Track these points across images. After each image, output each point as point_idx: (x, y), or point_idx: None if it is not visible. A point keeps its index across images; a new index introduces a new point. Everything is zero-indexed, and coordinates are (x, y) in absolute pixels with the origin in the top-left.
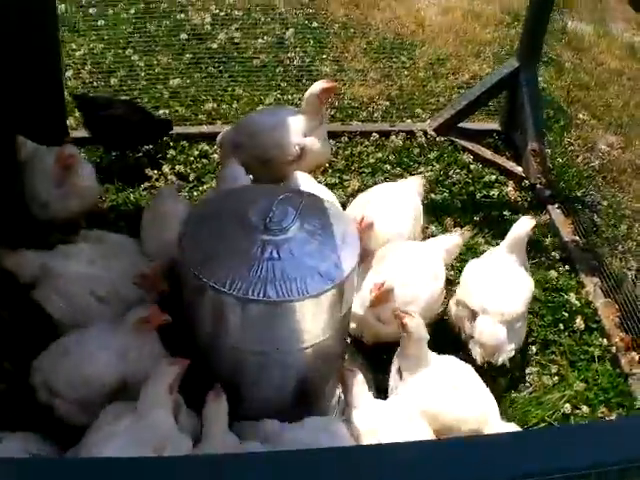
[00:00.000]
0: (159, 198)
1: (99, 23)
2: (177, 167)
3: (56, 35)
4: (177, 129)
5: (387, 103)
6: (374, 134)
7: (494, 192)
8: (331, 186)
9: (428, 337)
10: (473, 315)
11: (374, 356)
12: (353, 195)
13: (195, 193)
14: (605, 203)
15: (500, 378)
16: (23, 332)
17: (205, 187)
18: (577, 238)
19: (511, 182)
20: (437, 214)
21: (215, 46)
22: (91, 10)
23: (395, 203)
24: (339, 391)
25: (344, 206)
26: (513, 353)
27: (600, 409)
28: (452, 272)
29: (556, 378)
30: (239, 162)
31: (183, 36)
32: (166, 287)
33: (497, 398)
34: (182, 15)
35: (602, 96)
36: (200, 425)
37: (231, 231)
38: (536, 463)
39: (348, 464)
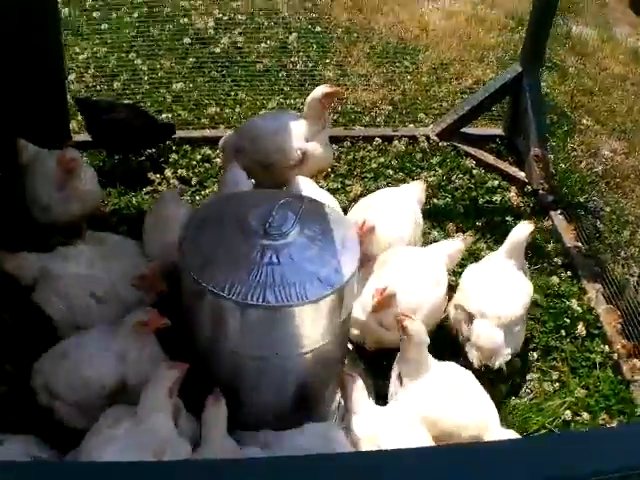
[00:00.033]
0: (161, 202)
1: (102, 27)
2: (179, 171)
3: (58, 38)
4: (180, 133)
5: (390, 108)
6: (377, 139)
7: (496, 197)
8: (333, 191)
9: (428, 341)
10: (470, 318)
11: (374, 362)
12: (355, 200)
13: (197, 197)
14: (608, 209)
15: (501, 384)
16: (24, 335)
17: (207, 191)
18: (579, 244)
19: (514, 188)
20: (439, 219)
21: (218, 50)
22: (95, 14)
23: (396, 208)
24: (339, 396)
25: (346, 211)
26: (510, 357)
27: (601, 416)
28: (453, 277)
29: (557, 385)
30: (241, 166)
31: (186, 40)
32: (165, 287)
33: (497, 404)
34: (185, 19)
35: (606, 101)
36: (199, 429)
37: (231, 235)
38: (535, 471)
39: (348, 470)
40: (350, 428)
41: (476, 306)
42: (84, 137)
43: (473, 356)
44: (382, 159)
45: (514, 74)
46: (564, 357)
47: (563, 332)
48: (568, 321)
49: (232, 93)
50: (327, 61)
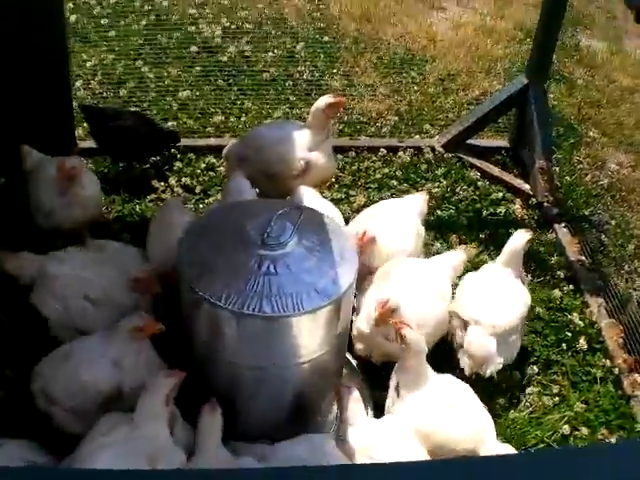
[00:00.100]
0: (166, 209)
1: (110, 34)
2: (183, 179)
3: (64, 44)
4: (185, 141)
5: (396, 118)
6: (382, 149)
7: (501, 210)
8: (337, 201)
9: (427, 350)
10: (465, 326)
11: (373, 373)
12: (358, 210)
13: (201, 205)
14: (613, 222)
15: (499, 397)
16: (24, 339)
17: (211, 200)
18: (583, 257)
19: (518, 200)
20: (442, 231)
21: (225, 59)
22: (103, 21)
23: (398, 219)
24: (336, 407)
25: (348, 222)
26: (501, 366)
27: (600, 431)
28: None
29: (557, 399)
30: (245, 175)
31: (193, 48)
32: (160, 290)
33: (496, 417)
34: (193, 28)
35: (614, 114)
36: (194, 439)
37: (229, 245)
38: None
39: None
40: (345, 439)
41: (470, 314)
42: (89, 144)
43: (465, 363)
44: (387, 170)
45: (520, 86)
46: (565, 371)
47: (564, 346)
48: (569, 335)
49: (238, 102)
50: (334, 71)
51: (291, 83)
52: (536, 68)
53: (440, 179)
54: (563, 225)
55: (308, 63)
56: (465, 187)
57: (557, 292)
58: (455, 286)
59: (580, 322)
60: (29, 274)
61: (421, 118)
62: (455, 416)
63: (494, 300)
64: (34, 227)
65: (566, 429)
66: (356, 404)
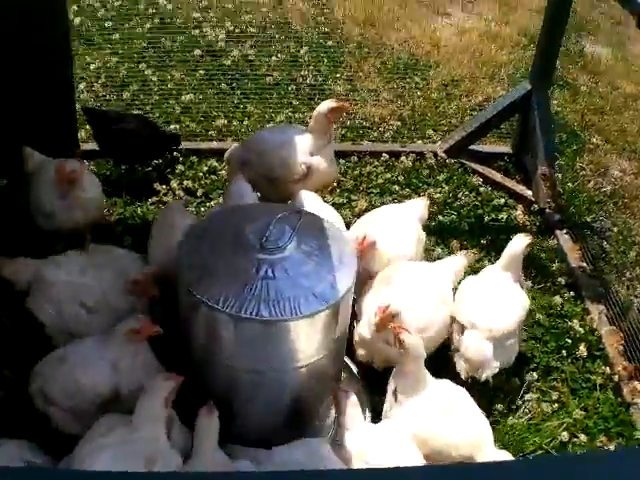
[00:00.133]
0: (167, 211)
1: (114, 37)
2: (185, 182)
3: (67, 47)
4: (187, 145)
5: (399, 123)
6: (384, 154)
7: (502, 215)
8: (339, 206)
9: (425, 355)
10: (462, 329)
11: (373, 378)
12: (360, 215)
13: (202, 209)
14: (615, 229)
15: (498, 403)
16: (24, 340)
17: (212, 203)
18: (584, 264)
19: (520, 206)
20: (444, 236)
21: (228, 63)
22: (107, 24)
23: (398, 224)
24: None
25: (350, 226)
26: (497, 370)
27: (599, 438)
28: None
29: (556, 405)
30: (246, 179)
31: (197, 52)
32: (157, 293)
33: (494, 423)
34: (197, 31)
35: (617, 121)
36: (191, 442)
37: (228, 249)
38: None
39: None
40: (342, 444)
41: (467, 317)
42: (92, 146)
43: (461, 367)
44: (389, 175)
45: (523, 92)
46: (564, 378)
47: (564, 352)
48: (570, 342)
49: (241, 106)
50: (337, 75)
51: (294, 87)
52: (539, 74)
53: (442, 184)
54: (565, 231)
55: (311, 67)
56: (467, 193)
57: (558, 299)
58: (455, 290)
59: (580, 329)
60: (25, 279)
61: (424, 123)
62: (452, 422)
63: (491, 304)
64: (36, 228)
65: (565, 436)
66: (353, 409)
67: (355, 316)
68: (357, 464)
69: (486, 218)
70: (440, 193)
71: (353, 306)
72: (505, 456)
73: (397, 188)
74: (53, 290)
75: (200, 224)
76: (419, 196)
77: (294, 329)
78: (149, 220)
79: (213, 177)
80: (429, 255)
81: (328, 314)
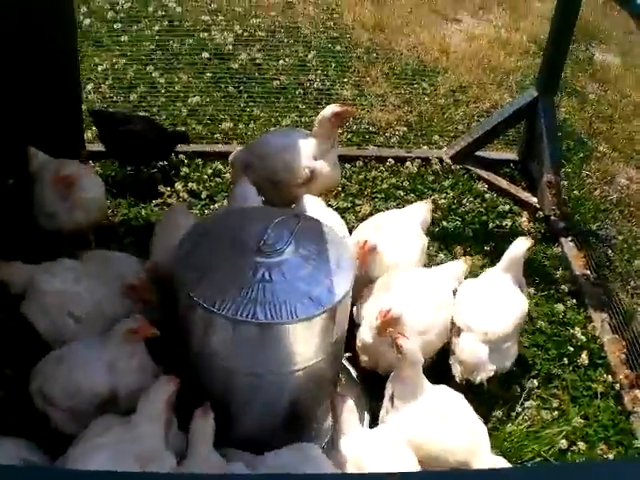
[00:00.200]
0: (171, 213)
1: (122, 39)
2: (190, 185)
3: (75, 48)
4: (193, 147)
5: (405, 129)
6: (389, 160)
7: (507, 222)
8: (343, 210)
9: (423, 360)
10: (459, 332)
11: (372, 383)
12: (363, 220)
13: (206, 211)
14: (621, 237)
15: (498, 410)
16: (25, 339)
17: (217, 205)
18: (588, 272)
19: (525, 213)
20: (448, 242)
21: (236, 66)
22: (116, 25)
23: (400, 229)
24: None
25: (353, 231)
26: (492, 373)
27: (599, 446)
28: None
29: (556, 413)
30: (251, 182)
31: (205, 55)
32: (153, 298)
33: (493, 430)
34: (205, 34)
35: (625, 129)
36: (186, 443)
37: (226, 251)
38: None
39: None
40: (337, 449)
41: (464, 320)
42: (98, 147)
43: (456, 370)
44: (394, 180)
45: (529, 99)
46: (565, 385)
47: (566, 360)
48: (571, 349)
49: (247, 109)
50: (345, 80)
51: (301, 91)
52: (546, 81)
53: (447, 190)
54: (569, 239)
55: (319, 72)
56: (472, 199)
57: (560, 306)
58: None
59: (582, 337)
60: (20, 284)
61: (430, 129)
62: (449, 427)
63: (488, 307)
64: (39, 229)
65: (564, 444)
66: (350, 413)
67: (355, 322)
68: (351, 469)
69: (490, 225)
70: (445, 199)
71: (352, 311)
72: (501, 463)
73: (402, 193)
74: (44, 298)
75: (199, 226)
76: None
77: (290, 332)
78: (152, 222)
79: (218, 180)
80: (432, 261)
81: (325, 318)
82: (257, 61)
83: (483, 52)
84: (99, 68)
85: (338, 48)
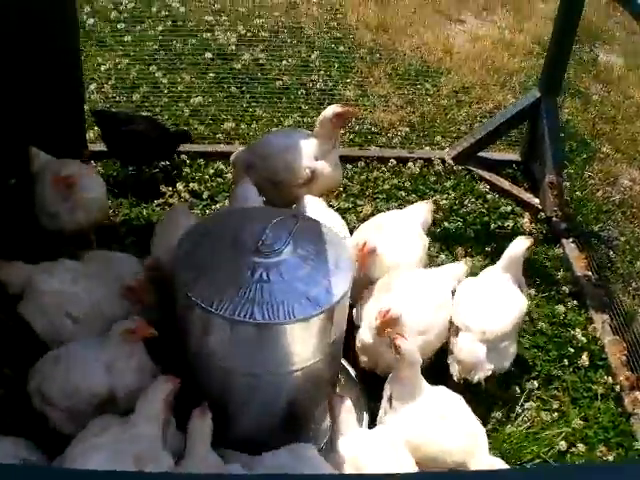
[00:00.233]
0: (172, 212)
1: (126, 39)
2: (191, 185)
3: (77, 48)
4: (194, 147)
5: (407, 129)
6: (391, 160)
7: (509, 223)
8: (344, 210)
9: (421, 361)
10: (457, 331)
11: (372, 384)
12: (365, 220)
13: (208, 211)
14: (623, 239)
15: (497, 411)
16: (25, 338)
17: (218, 206)
18: (589, 273)
19: (527, 214)
20: (449, 243)
21: (239, 66)
22: (119, 25)
23: (401, 230)
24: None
25: (354, 232)
26: (490, 372)
27: (599, 448)
28: None
29: (556, 414)
30: (252, 182)
31: (208, 55)
32: (152, 298)
33: (492, 431)
34: (208, 34)
35: (628, 130)
36: (184, 443)
37: (224, 251)
38: None
39: None
40: (335, 449)
41: (462, 319)
42: (100, 147)
43: (454, 369)
44: (395, 180)
45: (532, 100)
46: (565, 387)
47: (566, 362)
48: (572, 351)
49: (250, 109)
50: (348, 81)
51: (304, 92)
52: (549, 82)
53: (449, 191)
54: (571, 240)
55: (322, 72)
56: (473, 200)
57: (561, 307)
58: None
59: (583, 338)
60: (18, 284)
61: (433, 130)
62: (446, 428)
63: (486, 306)
64: (41, 228)
65: (563, 445)
66: (348, 414)
67: (354, 322)
68: (349, 469)
69: (492, 225)
70: (446, 199)
71: (352, 312)
72: (499, 464)
73: (403, 194)
74: (42, 299)
75: (199, 226)
76: None
77: (288, 333)
78: (154, 222)
79: (219, 180)
80: (433, 261)
81: (322, 318)
82: (260, 61)
83: (487, 53)
84: (102, 68)
85: (341, 48)
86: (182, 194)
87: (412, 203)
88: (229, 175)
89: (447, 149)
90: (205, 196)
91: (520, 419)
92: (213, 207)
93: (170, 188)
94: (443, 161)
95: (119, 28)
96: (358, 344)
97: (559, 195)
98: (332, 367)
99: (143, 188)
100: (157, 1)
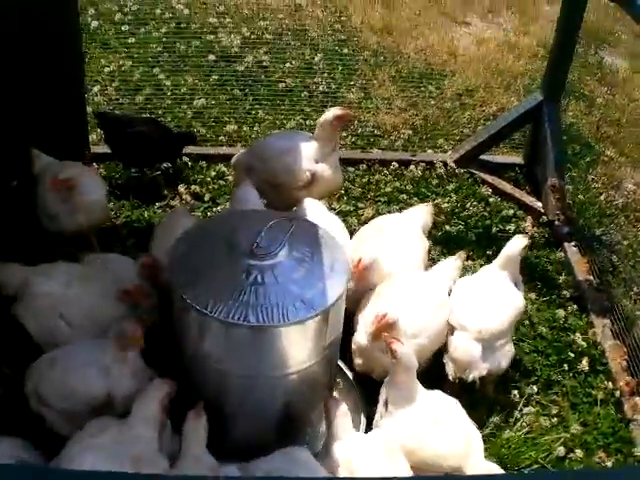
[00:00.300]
0: (173, 214)
1: (130, 41)
2: (193, 187)
3: (79, 50)
4: (196, 149)
5: (410, 132)
6: (394, 163)
7: (511, 227)
8: (345, 213)
9: (417, 365)
10: (452, 330)
11: (370, 388)
12: (366, 223)
13: (209, 213)
14: (625, 243)
15: (495, 416)
16: (24, 339)
17: (219, 208)
18: (591, 277)
19: (529, 217)
20: (450, 246)
21: (242, 68)
22: (123, 27)
23: (400, 236)
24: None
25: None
26: (486, 372)
27: (598, 454)
28: None
29: (555, 420)
30: (253, 185)
31: (211, 57)
32: (152, 300)
33: (490, 436)
34: (212, 36)
35: (633, 133)
36: (179, 445)
37: (220, 253)
38: None
39: None
40: (330, 453)
41: (457, 318)
42: (103, 149)
43: (449, 368)
44: (397, 183)
45: (535, 102)
46: (565, 392)
47: (566, 366)
48: (572, 355)
49: (252, 111)
50: (351, 83)
51: (307, 94)
52: (551, 85)
53: (451, 194)
54: (573, 244)
55: (325, 75)
56: (475, 203)
57: (561, 312)
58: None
59: (583, 343)
60: (13, 286)
61: (436, 133)
62: (442, 433)
63: (481, 304)
64: (43, 230)
65: (561, 451)
66: (344, 417)
67: (352, 326)
68: (343, 473)
69: (494, 229)
70: (448, 203)
71: (349, 316)
72: (495, 469)
73: (405, 197)
74: (36, 301)
75: (195, 228)
76: None
77: (282, 335)
78: (155, 224)
79: (221, 182)
80: (434, 265)
81: (317, 321)
82: (263, 64)
83: (491, 55)
84: (106, 70)
85: (345, 51)
86: (184, 196)
87: (413, 206)
88: (231, 178)
89: (449, 152)
90: (206, 198)
91: (519, 424)
92: (214, 209)
93: (172, 190)
94: (445, 164)
95: (123, 30)
96: (354, 346)
97: (561, 198)
98: (328, 370)
99: (145, 190)
100: (161, 3)
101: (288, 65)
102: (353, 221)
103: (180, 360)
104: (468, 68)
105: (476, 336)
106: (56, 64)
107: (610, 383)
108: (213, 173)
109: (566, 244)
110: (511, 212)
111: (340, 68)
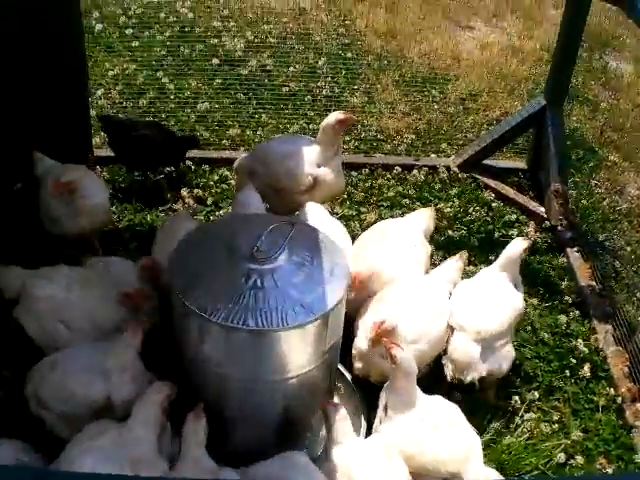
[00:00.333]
0: (175, 218)
1: (134, 44)
2: (196, 191)
3: (83, 53)
4: (199, 153)
5: (413, 136)
6: (396, 167)
7: (513, 232)
8: (348, 218)
9: (417, 370)
10: (452, 331)
11: (371, 393)
12: (368, 228)
13: (211, 217)
14: (629, 248)
15: (496, 421)
16: (24, 341)
17: (222, 212)
18: (593, 283)
19: (532, 222)
20: (452, 251)
21: (246, 72)
22: (127, 31)
23: (401, 243)
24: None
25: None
26: (485, 373)
27: (599, 460)
28: None
29: (556, 426)
30: (255, 188)
31: (215, 61)
32: (152, 304)
33: (491, 442)
34: (216, 40)
35: (636, 138)
36: (179, 448)
37: (220, 258)
38: None
39: None
40: (329, 458)
41: (457, 319)
42: (106, 152)
43: (448, 369)
44: (400, 188)
45: (538, 107)
46: (567, 398)
47: (568, 372)
48: (574, 361)
49: (256, 115)
50: (355, 87)
51: (310, 98)
52: (554, 90)
53: (453, 199)
54: (576, 249)
55: (329, 79)
56: (478, 208)
57: (563, 317)
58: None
59: (585, 349)
60: (14, 289)
61: (439, 137)
62: (441, 438)
63: (481, 306)
64: (46, 232)
65: (561, 457)
66: (343, 422)
67: (352, 331)
68: (342, 478)
69: (496, 234)
70: (451, 207)
71: (349, 320)
72: (494, 474)
73: (407, 202)
74: (36, 304)
75: (196, 232)
76: None
77: (281, 340)
78: (157, 227)
79: (224, 186)
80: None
81: (317, 325)
82: (267, 67)
83: (495, 60)
84: (110, 73)
85: (349, 55)
86: (186, 200)
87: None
88: (233, 181)
89: (453, 156)
90: (209, 202)
91: (520, 430)
92: (217, 213)
93: (175, 194)
94: (448, 169)
95: (127, 34)
96: (354, 351)
97: (564, 203)
98: (328, 375)
99: (148, 193)
100: (165, 7)
101: (292, 69)
102: (355, 225)
103: (180, 363)
104: (472, 72)
105: (475, 337)
106: (59, 67)
107: (612, 389)
108: (216, 177)
109: (569, 249)
110: (514, 217)
111: (344, 72)
